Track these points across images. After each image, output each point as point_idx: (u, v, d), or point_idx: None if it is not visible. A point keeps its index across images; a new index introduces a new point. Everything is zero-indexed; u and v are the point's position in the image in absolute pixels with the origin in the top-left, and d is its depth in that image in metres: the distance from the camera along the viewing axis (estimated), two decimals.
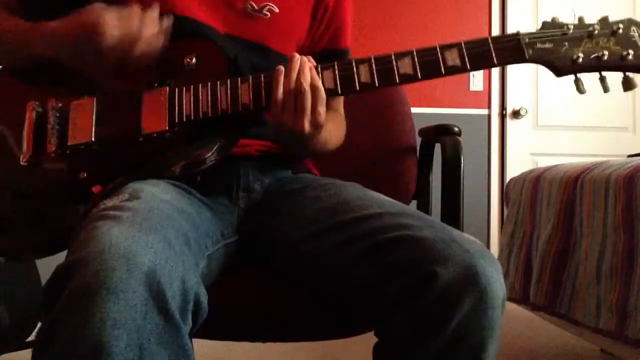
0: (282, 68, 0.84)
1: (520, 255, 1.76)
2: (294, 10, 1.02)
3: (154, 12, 0.87)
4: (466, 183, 1.15)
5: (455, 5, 3.30)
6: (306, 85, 0.82)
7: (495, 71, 3.34)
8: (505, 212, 2.04)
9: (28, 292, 1.73)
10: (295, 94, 0.82)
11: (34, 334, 1.65)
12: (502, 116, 3.34)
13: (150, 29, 0.85)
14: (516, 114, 3.32)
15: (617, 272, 1.30)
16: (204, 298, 0.67)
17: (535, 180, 1.77)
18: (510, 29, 3.29)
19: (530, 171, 1.90)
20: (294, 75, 0.83)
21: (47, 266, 0.65)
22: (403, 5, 3.25)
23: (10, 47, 0.95)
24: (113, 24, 0.83)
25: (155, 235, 0.64)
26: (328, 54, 1.04)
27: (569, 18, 0.86)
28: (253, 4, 0.98)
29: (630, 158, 1.65)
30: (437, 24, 3.26)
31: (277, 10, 0.99)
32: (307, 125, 0.83)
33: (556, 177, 1.64)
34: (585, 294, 1.42)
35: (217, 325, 0.81)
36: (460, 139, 1.19)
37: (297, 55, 0.84)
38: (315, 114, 0.83)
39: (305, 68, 0.83)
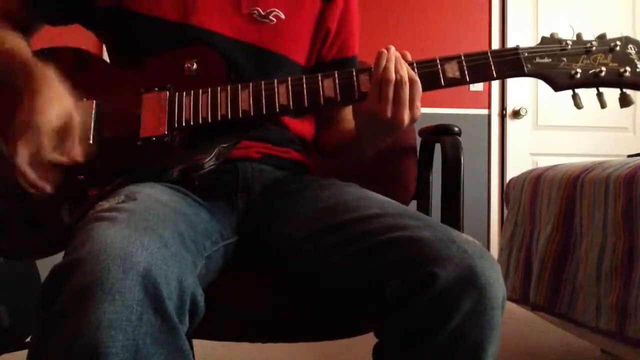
0: (384, 52, 0.82)
1: (520, 255, 1.76)
2: (300, 17, 1.02)
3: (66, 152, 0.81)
4: (466, 183, 1.15)
5: (456, 14, 3.30)
6: (405, 76, 0.81)
7: None
8: (505, 212, 2.04)
9: (28, 292, 1.73)
10: (395, 84, 0.81)
11: None
12: (502, 116, 3.34)
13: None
14: (516, 114, 3.32)
15: (617, 272, 1.30)
16: (201, 298, 0.67)
17: (535, 180, 1.77)
18: (510, 37, 3.29)
19: (530, 171, 1.89)
20: (392, 65, 0.81)
21: (47, 266, 0.65)
22: (403, 13, 3.26)
23: None
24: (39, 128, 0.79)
25: (151, 235, 0.64)
26: (338, 63, 1.05)
27: (567, 34, 0.87)
28: (259, 9, 0.98)
29: (630, 158, 1.65)
30: (437, 32, 3.26)
31: (283, 16, 1.00)
32: (406, 118, 0.82)
33: (556, 177, 1.64)
34: (585, 294, 1.42)
35: (217, 325, 0.81)
36: (460, 139, 1.19)
37: (392, 47, 0.83)
38: (414, 108, 0.82)
39: (401, 60, 0.82)
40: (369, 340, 0.76)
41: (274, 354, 1.94)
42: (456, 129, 1.22)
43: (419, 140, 1.34)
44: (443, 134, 1.21)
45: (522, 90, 3.34)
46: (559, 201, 1.57)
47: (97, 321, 0.56)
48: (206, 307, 0.68)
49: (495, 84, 3.34)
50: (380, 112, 0.82)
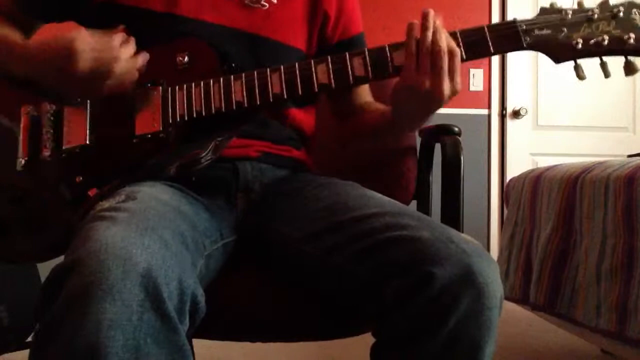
0: (416, 22, 0.80)
1: (520, 255, 1.76)
2: (293, 1, 1.01)
3: (129, 48, 0.88)
4: (466, 183, 1.15)
5: (456, 11, 3.30)
6: (443, 46, 0.78)
7: (495, 71, 3.34)
8: (505, 212, 2.04)
9: (28, 292, 1.73)
10: (432, 53, 0.78)
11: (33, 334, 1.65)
12: (502, 116, 3.34)
13: (122, 64, 0.86)
14: (516, 114, 3.32)
15: (617, 272, 1.30)
16: (202, 298, 0.67)
17: (535, 180, 1.77)
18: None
19: (530, 171, 1.89)
20: (429, 34, 0.79)
21: (47, 266, 0.65)
22: (402, 9, 3.25)
23: None
24: (86, 54, 0.84)
25: (152, 235, 0.64)
26: (344, 44, 1.04)
27: (567, 3, 0.84)
28: None
29: (630, 158, 1.65)
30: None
31: (275, 1, 0.99)
32: (446, 89, 0.78)
33: (556, 177, 1.64)
34: (585, 294, 1.42)
35: (217, 325, 0.81)
36: (460, 139, 1.19)
37: (432, 12, 0.80)
38: (454, 81, 0.79)
39: (441, 28, 0.79)
40: (369, 340, 0.76)
41: (274, 354, 1.94)
42: (456, 129, 1.22)
43: (419, 140, 1.34)
44: (443, 134, 1.21)
45: (522, 90, 3.34)
46: (559, 201, 1.57)
47: (97, 321, 0.56)
48: (206, 307, 0.68)
49: (495, 84, 3.34)
50: (419, 82, 0.79)
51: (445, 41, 0.79)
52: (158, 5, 0.94)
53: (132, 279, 0.58)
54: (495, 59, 3.32)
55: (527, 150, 3.33)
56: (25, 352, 0.61)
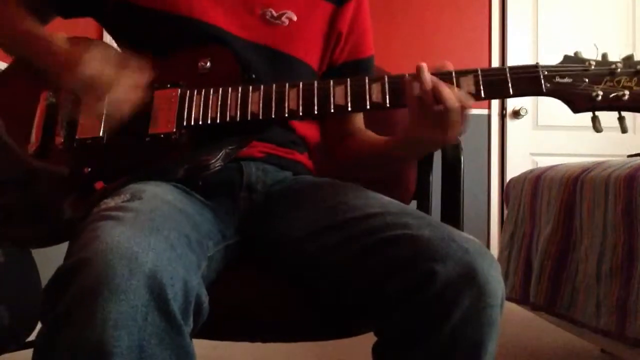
0: (426, 79, 0.78)
1: (520, 255, 1.76)
2: (313, 19, 1.02)
3: (133, 77, 0.86)
4: (466, 183, 1.15)
5: (456, 12, 3.30)
6: (448, 103, 0.77)
7: None
8: (505, 212, 2.04)
9: (28, 292, 1.73)
10: (436, 113, 0.78)
11: (34, 334, 1.65)
12: (502, 116, 3.34)
13: (119, 89, 0.84)
14: (516, 114, 3.32)
15: (617, 271, 1.31)
16: (205, 299, 0.67)
17: (535, 180, 1.77)
18: (510, 34, 3.28)
19: (530, 171, 1.90)
20: (430, 98, 0.78)
21: (47, 266, 0.65)
22: (401, 11, 3.25)
23: (17, 51, 0.98)
24: (92, 62, 0.84)
25: (157, 236, 0.64)
26: (349, 66, 1.04)
27: (591, 53, 0.82)
28: (272, 11, 0.98)
29: (630, 158, 1.65)
30: (437, 33, 3.25)
31: (295, 18, 0.99)
32: (446, 139, 0.81)
33: (556, 177, 1.64)
34: (585, 294, 1.42)
35: (217, 325, 0.81)
36: (460, 139, 1.19)
37: (428, 76, 0.79)
38: (455, 131, 0.80)
39: (439, 85, 0.78)
40: (369, 340, 0.76)
41: (274, 354, 1.94)
42: None
43: None
44: None
45: None
46: (559, 201, 1.58)
47: (103, 321, 0.56)
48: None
49: None
50: (425, 136, 0.82)
51: (449, 97, 0.77)
52: (183, 11, 0.94)
53: (138, 279, 0.59)
54: (495, 58, 3.31)
55: (527, 150, 3.33)
56: (25, 352, 0.61)
